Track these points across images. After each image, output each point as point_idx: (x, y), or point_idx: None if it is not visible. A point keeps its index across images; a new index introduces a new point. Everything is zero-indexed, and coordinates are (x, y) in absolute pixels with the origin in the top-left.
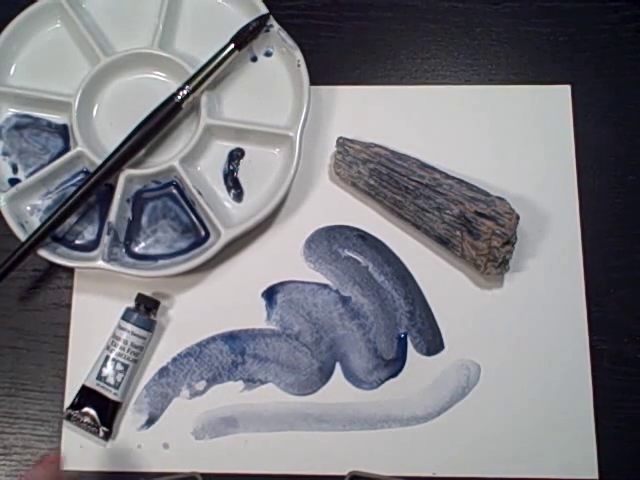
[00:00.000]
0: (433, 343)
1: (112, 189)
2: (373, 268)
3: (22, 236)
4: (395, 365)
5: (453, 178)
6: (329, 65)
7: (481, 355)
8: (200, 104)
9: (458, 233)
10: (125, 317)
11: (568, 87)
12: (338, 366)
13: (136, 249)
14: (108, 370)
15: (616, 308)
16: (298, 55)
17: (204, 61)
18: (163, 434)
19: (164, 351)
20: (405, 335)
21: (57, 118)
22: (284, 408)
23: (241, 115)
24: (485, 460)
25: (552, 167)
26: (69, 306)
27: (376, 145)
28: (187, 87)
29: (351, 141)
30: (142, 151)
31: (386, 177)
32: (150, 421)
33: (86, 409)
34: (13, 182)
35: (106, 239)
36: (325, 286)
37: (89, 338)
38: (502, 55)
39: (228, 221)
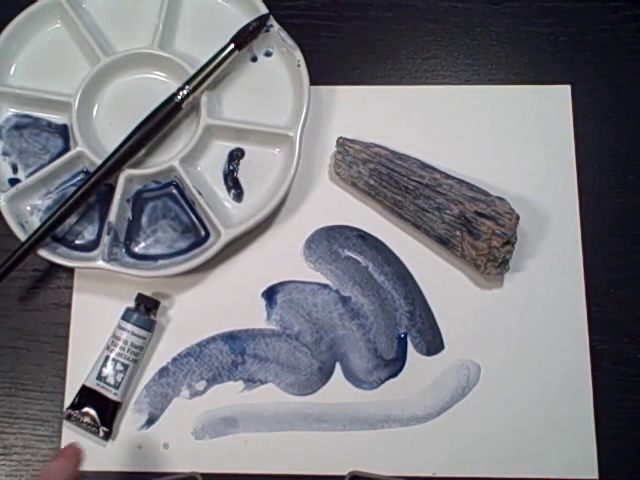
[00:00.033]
0: (433, 343)
1: (112, 189)
2: (373, 268)
3: (22, 236)
4: (395, 365)
5: (453, 178)
6: (329, 65)
7: (481, 355)
8: (200, 104)
9: (458, 233)
10: (125, 317)
11: (568, 87)
12: (338, 366)
13: (136, 249)
14: (108, 370)
15: (616, 308)
16: (298, 55)
17: (204, 61)
18: (163, 434)
19: (164, 351)
20: (405, 335)
21: (57, 118)
22: (284, 408)
23: (241, 115)
24: (485, 460)
25: (552, 167)
26: (69, 306)
27: (376, 145)
28: (187, 87)
29: (351, 141)
30: (142, 151)
31: (386, 177)
32: (150, 421)
33: (86, 409)
34: (13, 182)
35: (106, 239)
36: (325, 286)
37: (89, 338)
38: (502, 55)
39: (228, 221)
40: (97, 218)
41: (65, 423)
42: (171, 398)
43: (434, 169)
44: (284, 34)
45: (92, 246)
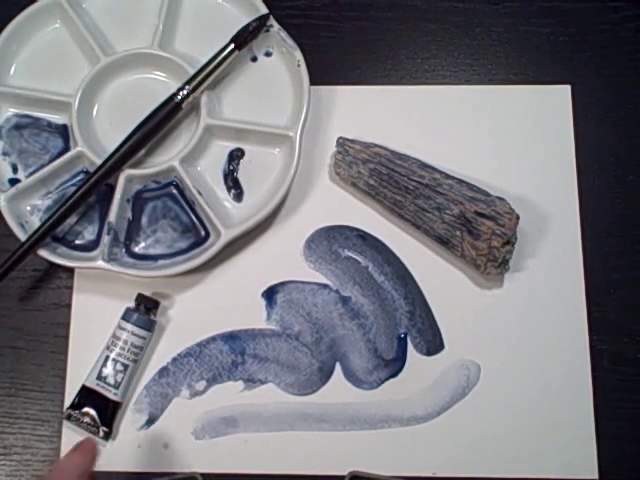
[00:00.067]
0: (433, 343)
1: (112, 189)
2: (373, 268)
3: (22, 236)
4: (395, 365)
5: (453, 178)
6: (329, 65)
7: (481, 355)
8: (200, 104)
9: (458, 233)
10: (125, 317)
11: (568, 87)
12: (338, 366)
13: (136, 249)
14: (108, 370)
15: (616, 308)
16: (298, 55)
17: (204, 61)
18: (163, 434)
19: (164, 351)
20: (405, 335)
21: (57, 118)
22: (284, 408)
23: (241, 115)
24: (485, 460)
25: (552, 167)
26: (69, 306)
27: (376, 145)
28: (187, 87)
29: (351, 141)
30: (142, 151)
31: (386, 177)
32: (150, 421)
33: (86, 409)
34: (13, 182)
35: (106, 239)
36: (325, 286)
37: (89, 338)
38: (502, 55)
39: (228, 221)
40: (97, 218)
41: (65, 423)
42: (171, 398)
43: (434, 169)
44: (284, 34)
45: (92, 246)
